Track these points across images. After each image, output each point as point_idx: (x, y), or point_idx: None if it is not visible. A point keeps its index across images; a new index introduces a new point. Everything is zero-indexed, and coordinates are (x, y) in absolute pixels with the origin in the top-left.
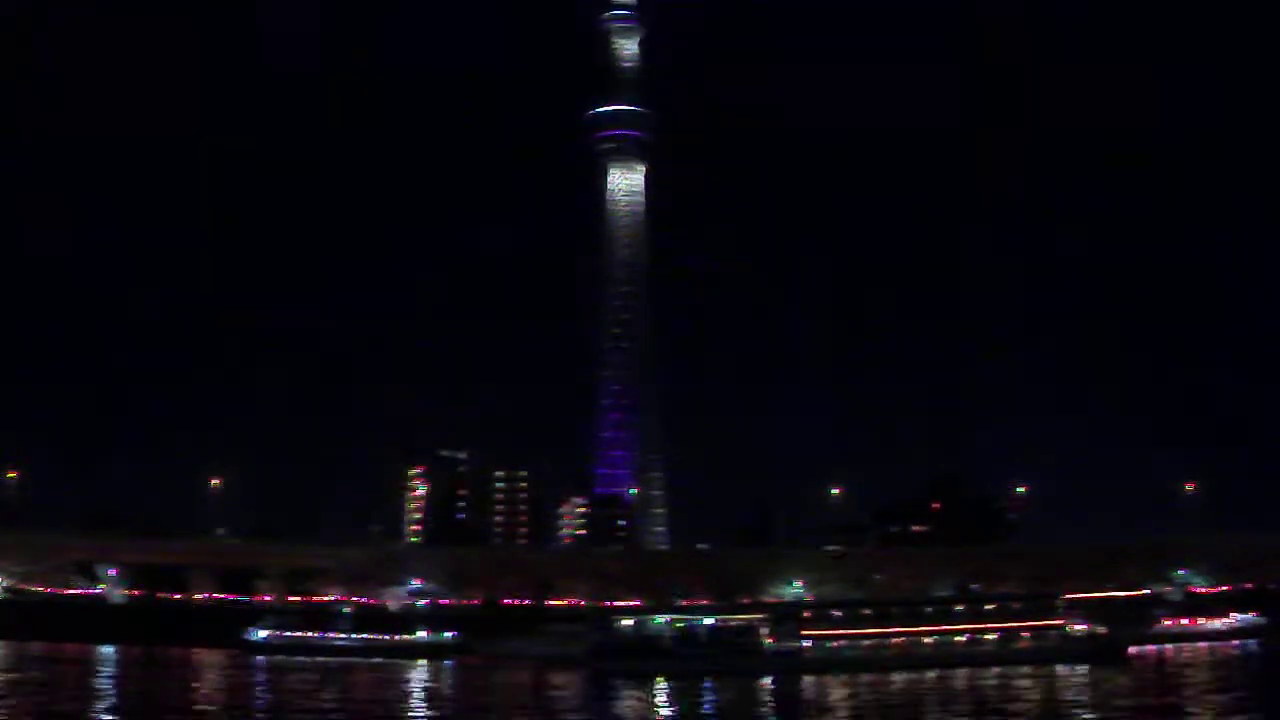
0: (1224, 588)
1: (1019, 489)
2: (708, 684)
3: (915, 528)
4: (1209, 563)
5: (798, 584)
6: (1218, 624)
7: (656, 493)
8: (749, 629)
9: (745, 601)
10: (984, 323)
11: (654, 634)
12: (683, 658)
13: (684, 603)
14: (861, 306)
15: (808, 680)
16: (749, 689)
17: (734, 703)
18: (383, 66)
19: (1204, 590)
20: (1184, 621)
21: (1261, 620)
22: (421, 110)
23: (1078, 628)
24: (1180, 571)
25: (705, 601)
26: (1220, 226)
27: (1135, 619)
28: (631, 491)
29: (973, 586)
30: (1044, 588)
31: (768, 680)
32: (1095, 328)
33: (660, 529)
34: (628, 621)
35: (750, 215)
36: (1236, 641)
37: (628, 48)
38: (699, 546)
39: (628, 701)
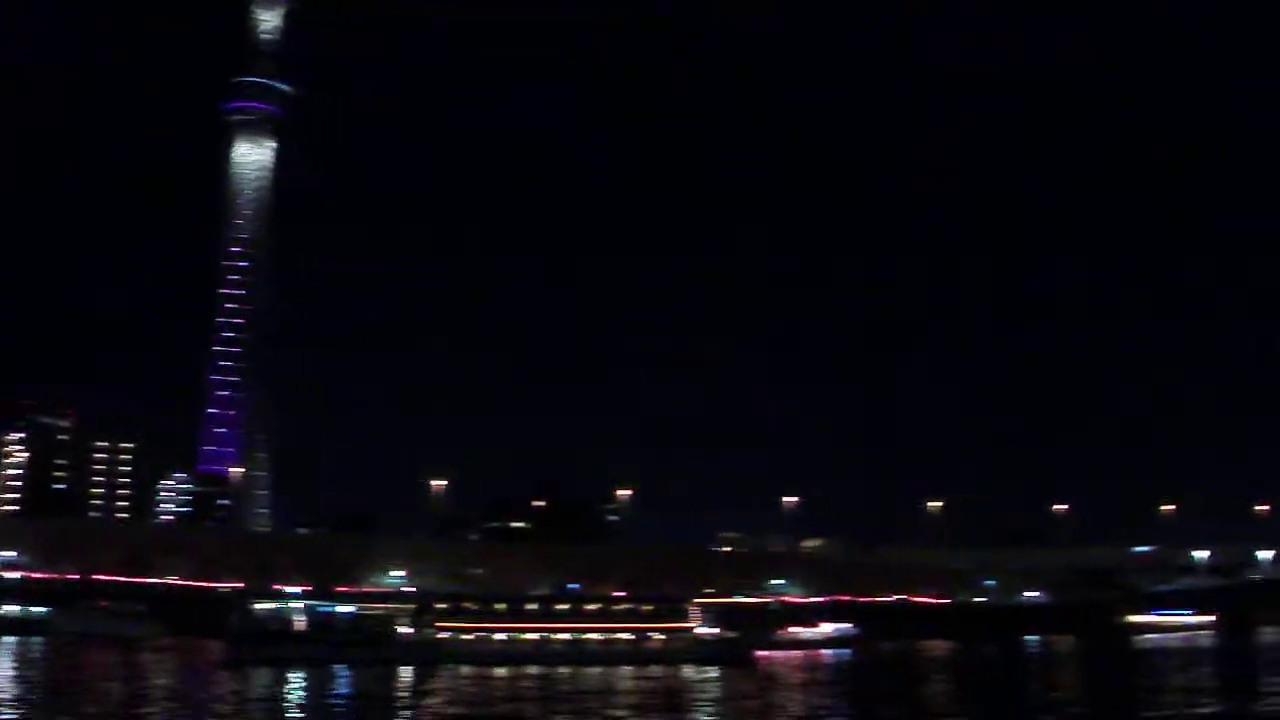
0: (819, 598)
1: (621, 491)
2: (341, 672)
3: (516, 524)
4: (805, 572)
5: (398, 573)
6: (810, 633)
7: (261, 473)
8: (387, 619)
9: (344, 589)
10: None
11: (292, 620)
12: (319, 645)
13: (279, 587)
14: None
15: (402, 671)
16: (382, 679)
17: (363, 692)
18: None
19: (798, 600)
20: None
21: (853, 630)
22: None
23: (707, 631)
24: (776, 580)
25: (303, 587)
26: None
27: (761, 624)
28: (236, 471)
29: (571, 586)
30: (643, 589)
31: (404, 670)
32: (703, 337)
33: (263, 510)
34: (265, 606)
35: (380, 201)
36: (830, 650)
37: (268, 19)
38: (299, 531)
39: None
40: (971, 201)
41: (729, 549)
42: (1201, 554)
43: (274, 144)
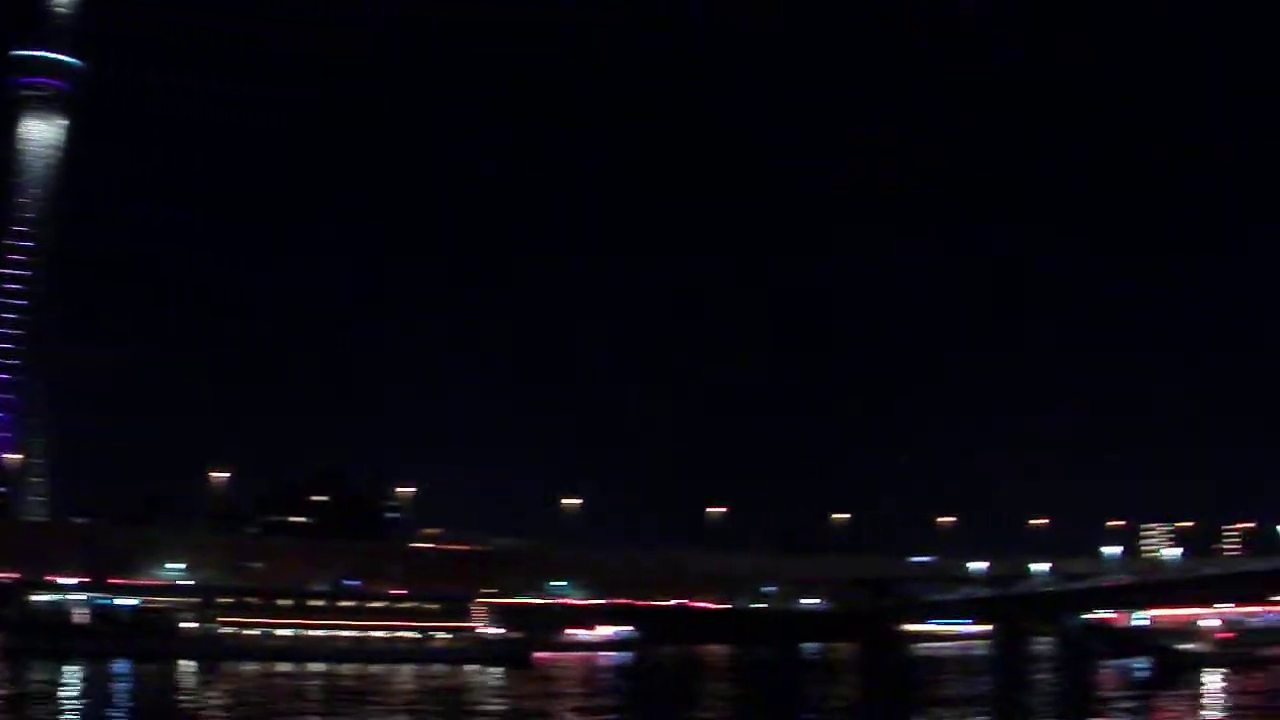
0: (599, 600)
1: (403, 488)
2: (121, 666)
3: (296, 519)
4: (586, 575)
5: (177, 565)
6: (590, 635)
7: (39, 461)
8: (170, 613)
9: (121, 581)
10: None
11: (72, 612)
12: (100, 638)
13: (55, 579)
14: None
15: (184, 666)
16: (163, 674)
17: (143, 688)
18: None
19: (579, 602)
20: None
21: (633, 633)
22: None
23: (491, 630)
24: (557, 582)
25: (80, 579)
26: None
27: (545, 625)
28: (12, 458)
29: (350, 582)
30: (423, 587)
31: (186, 665)
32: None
33: (40, 499)
34: (42, 598)
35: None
36: (611, 653)
37: None
38: (76, 520)
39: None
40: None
41: (510, 549)
42: (978, 565)
43: (65, 121)
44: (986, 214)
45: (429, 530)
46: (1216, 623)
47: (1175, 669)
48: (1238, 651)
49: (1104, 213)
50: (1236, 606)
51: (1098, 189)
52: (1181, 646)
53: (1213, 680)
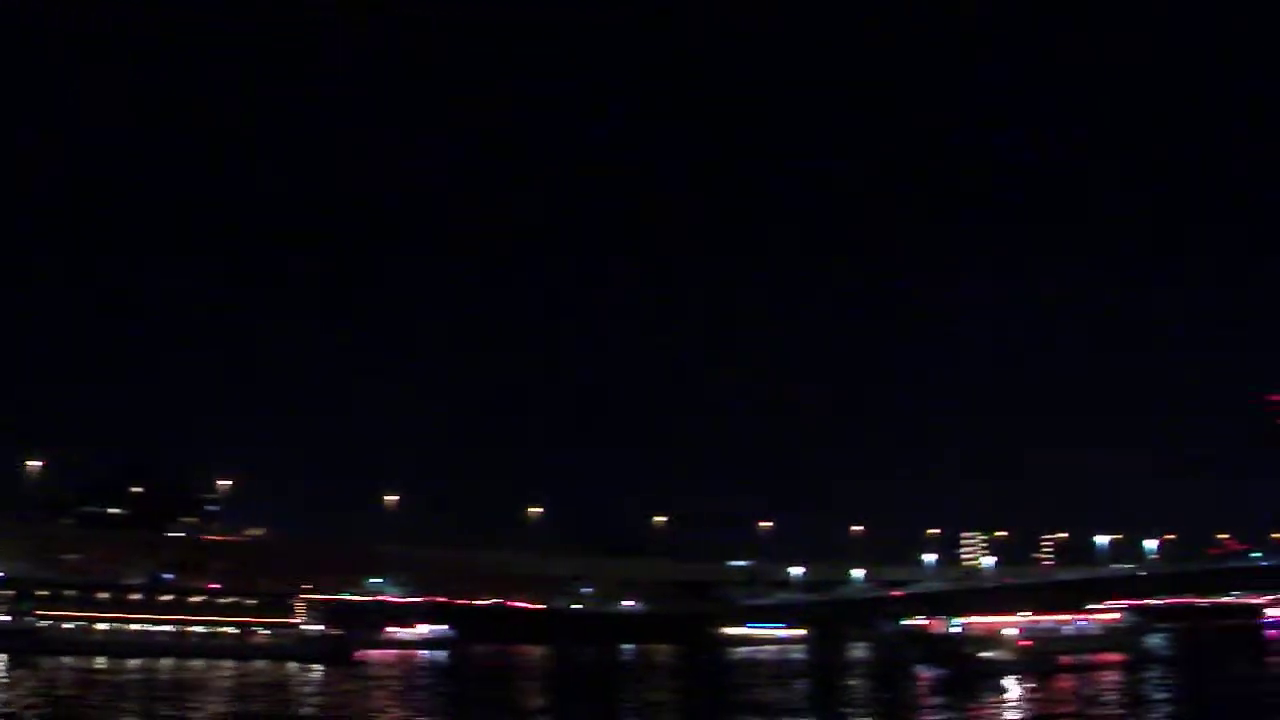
0: (417, 598)
1: (222, 480)
2: None
3: (113, 510)
4: (405, 573)
5: None
6: (408, 633)
7: None
8: None
9: None
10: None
11: None
12: None
13: None
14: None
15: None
16: None
17: None
18: None
19: (398, 600)
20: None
21: (450, 632)
22: None
23: (312, 628)
24: (375, 579)
25: None
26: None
27: (365, 623)
28: None
29: (165, 575)
30: (241, 582)
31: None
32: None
33: None
34: None
35: None
36: (426, 651)
37: None
38: None
39: None
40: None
41: (329, 545)
42: (797, 570)
43: None
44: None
45: (250, 530)
46: (1016, 631)
47: (973, 677)
48: (1036, 659)
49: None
50: (1048, 615)
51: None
52: (984, 654)
53: (1008, 688)
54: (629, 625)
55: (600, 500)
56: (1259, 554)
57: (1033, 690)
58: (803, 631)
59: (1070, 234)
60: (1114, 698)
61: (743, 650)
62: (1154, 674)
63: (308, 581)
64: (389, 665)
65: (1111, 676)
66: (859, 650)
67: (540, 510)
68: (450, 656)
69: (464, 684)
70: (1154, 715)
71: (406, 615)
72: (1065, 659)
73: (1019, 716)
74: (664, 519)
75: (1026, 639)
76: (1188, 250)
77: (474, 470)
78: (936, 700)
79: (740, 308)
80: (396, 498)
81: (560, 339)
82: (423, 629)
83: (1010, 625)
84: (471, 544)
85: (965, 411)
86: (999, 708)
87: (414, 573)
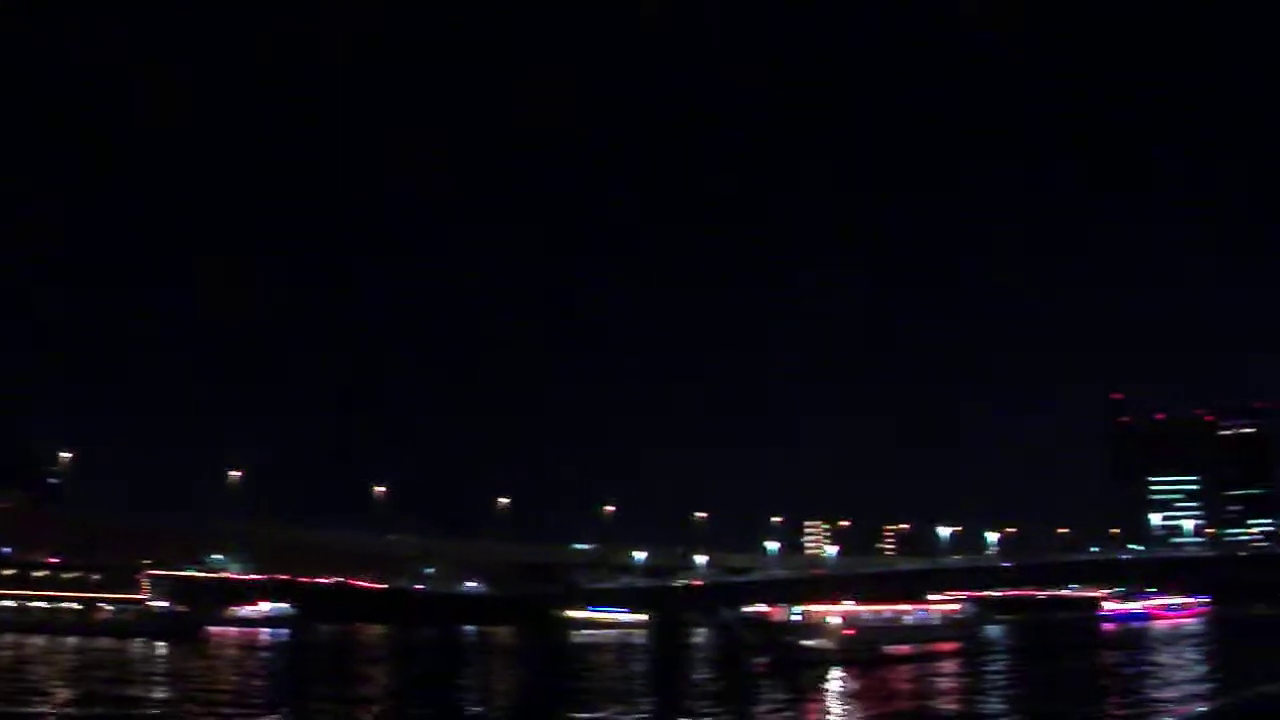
0: (259, 576)
1: (63, 453)
2: None
3: None
4: (246, 550)
5: None
6: (250, 611)
7: None
8: None
9: None
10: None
11: None
12: None
13: None
14: None
15: None
16: None
17: None
18: None
19: (240, 577)
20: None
21: (292, 610)
22: None
23: (158, 604)
24: (216, 556)
25: None
26: None
27: (211, 600)
28: None
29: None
30: (80, 556)
31: None
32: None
33: None
34: None
35: None
36: (268, 630)
37: None
38: None
39: None
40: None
41: (171, 520)
42: (640, 555)
43: None
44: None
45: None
46: (839, 620)
47: (793, 665)
48: (859, 648)
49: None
50: (889, 605)
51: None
52: (807, 643)
53: (827, 677)
54: (471, 606)
55: (445, 480)
56: (1096, 548)
57: (851, 679)
58: (644, 616)
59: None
60: (923, 688)
61: (584, 634)
62: (982, 664)
63: (149, 556)
64: (235, 643)
65: (938, 667)
66: (699, 636)
67: (384, 489)
68: (292, 635)
69: (308, 663)
70: (953, 705)
71: (249, 592)
72: (896, 649)
73: (826, 705)
74: (507, 501)
75: (850, 627)
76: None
77: (320, 447)
78: (753, 688)
79: (585, 294)
80: (240, 473)
81: (412, 319)
82: (265, 607)
83: (839, 613)
84: (315, 522)
85: (815, 407)
86: (804, 696)
87: (256, 549)
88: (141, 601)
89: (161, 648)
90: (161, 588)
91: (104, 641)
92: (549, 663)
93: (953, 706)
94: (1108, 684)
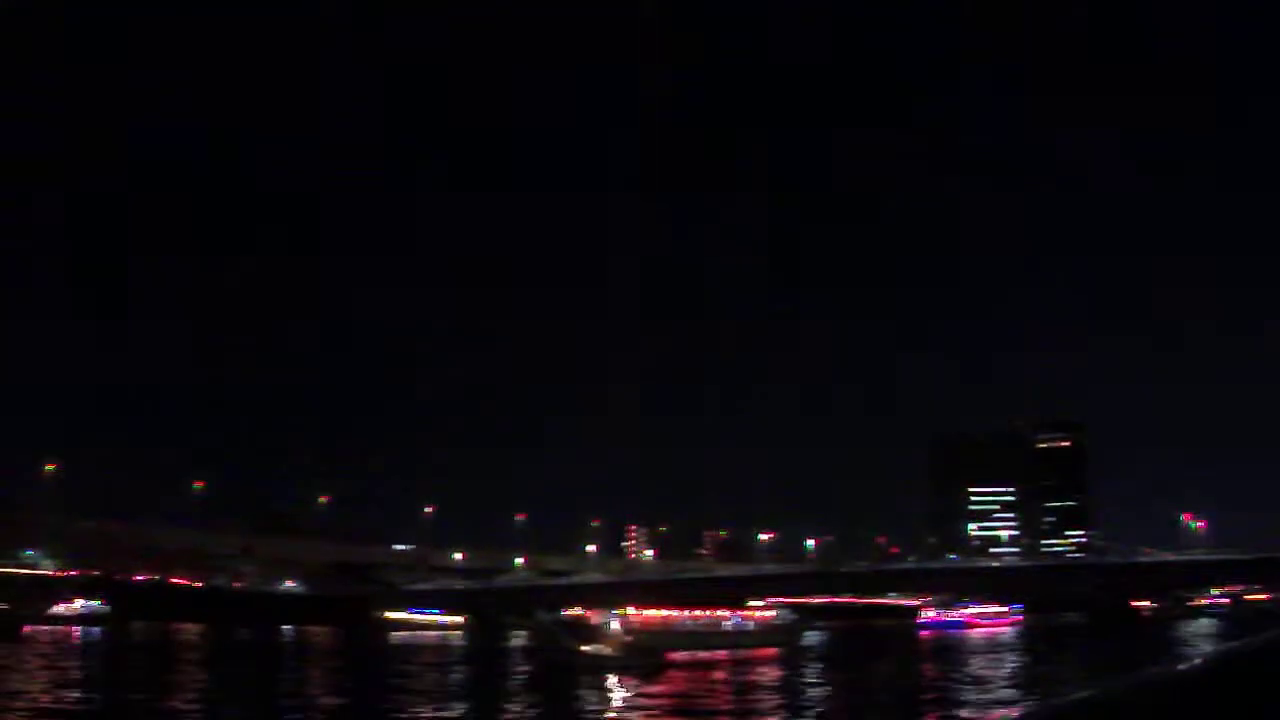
0: (73, 572)
1: None
2: None
3: None
4: (59, 545)
5: None
6: (63, 608)
7: None
8: None
9: None
10: None
11: None
12: None
13: None
14: None
15: None
16: None
17: None
18: None
19: (53, 573)
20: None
21: (106, 608)
22: None
23: None
24: (29, 551)
25: None
26: None
27: (30, 597)
28: None
29: None
30: None
31: None
32: None
33: None
34: None
35: None
36: (80, 628)
37: None
38: None
39: None
40: None
41: None
42: (458, 556)
43: None
44: None
45: None
46: (617, 625)
47: (561, 671)
48: (638, 655)
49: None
50: (707, 610)
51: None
52: (585, 648)
53: (596, 684)
54: (289, 605)
55: (264, 477)
56: (914, 557)
57: (623, 687)
58: (462, 618)
59: None
60: (694, 697)
61: (402, 634)
62: (798, 670)
63: None
64: (51, 641)
65: (725, 673)
66: (518, 638)
67: (202, 484)
68: (105, 633)
69: (136, 661)
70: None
71: (61, 589)
72: (669, 655)
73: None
74: (326, 499)
75: (629, 633)
76: None
77: (137, 440)
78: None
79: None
80: (55, 465)
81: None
82: (78, 604)
83: (625, 618)
84: (130, 516)
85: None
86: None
87: (69, 544)
88: None
89: None
90: None
91: None
92: (366, 664)
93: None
94: (921, 688)
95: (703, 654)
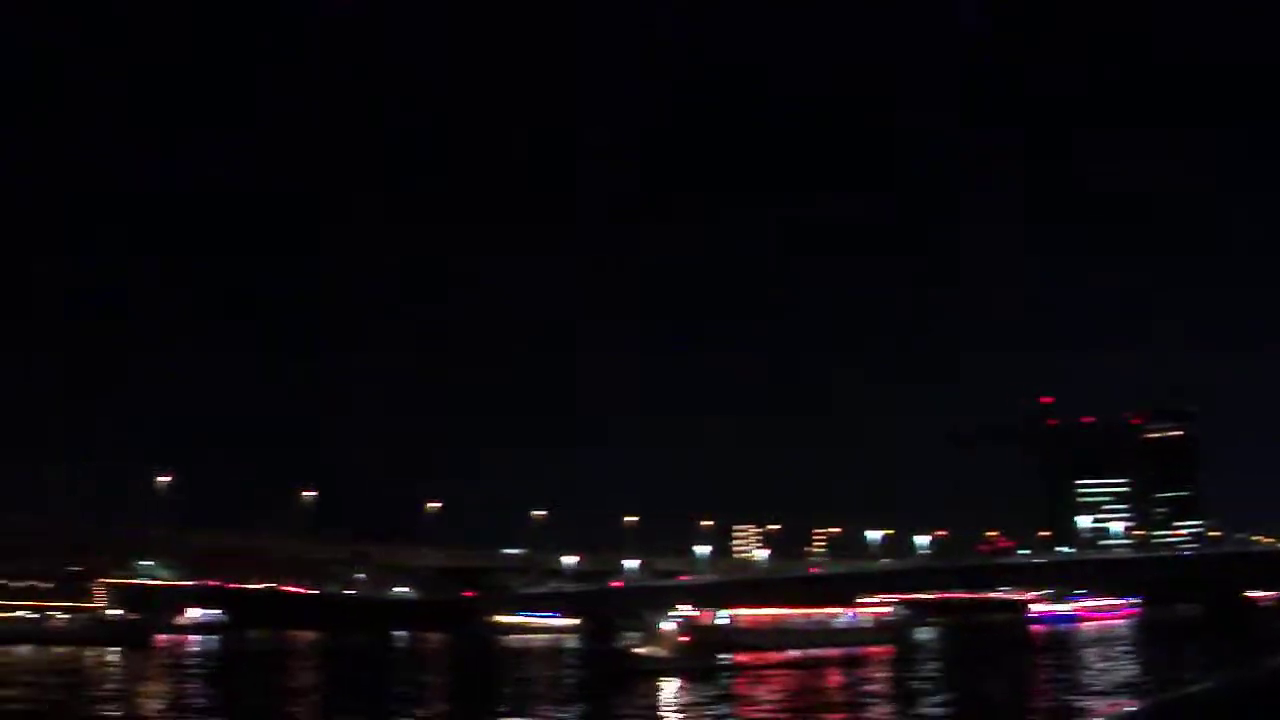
0: (189, 582)
1: None
2: None
3: None
4: (175, 556)
5: None
6: (181, 618)
7: None
8: None
9: None
10: None
11: None
12: None
13: None
14: None
15: None
16: None
17: None
18: None
19: (171, 583)
20: None
21: (224, 617)
22: None
23: (111, 612)
24: (146, 562)
25: None
26: None
27: (161, 607)
28: None
29: None
30: (13, 563)
31: None
32: None
33: None
34: None
35: None
36: (199, 637)
37: None
38: None
39: None
40: None
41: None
42: (570, 559)
43: None
44: None
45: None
46: (674, 626)
47: (619, 676)
48: (693, 657)
49: None
50: (819, 608)
51: None
52: (640, 651)
53: (651, 689)
54: (401, 612)
55: (374, 485)
56: (1026, 550)
57: (681, 691)
58: (575, 621)
59: None
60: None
61: (516, 639)
62: (913, 668)
63: (79, 564)
64: (175, 650)
65: (795, 676)
66: (631, 640)
67: (314, 494)
68: (223, 642)
69: (256, 669)
70: None
71: (179, 599)
72: (725, 658)
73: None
74: (438, 505)
75: (685, 634)
76: None
77: (248, 453)
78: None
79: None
80: (168, 479)
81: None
82: (195, 613)
83: (670, 619)
84: (243, 527)
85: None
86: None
87: (185, 556)
88: (95, 609)
89: (114, 655)
90: (113, 596)
91: (59, 650)
92: (478, 668)
93: None
94: (1035, 685)
95: (814, 652)
